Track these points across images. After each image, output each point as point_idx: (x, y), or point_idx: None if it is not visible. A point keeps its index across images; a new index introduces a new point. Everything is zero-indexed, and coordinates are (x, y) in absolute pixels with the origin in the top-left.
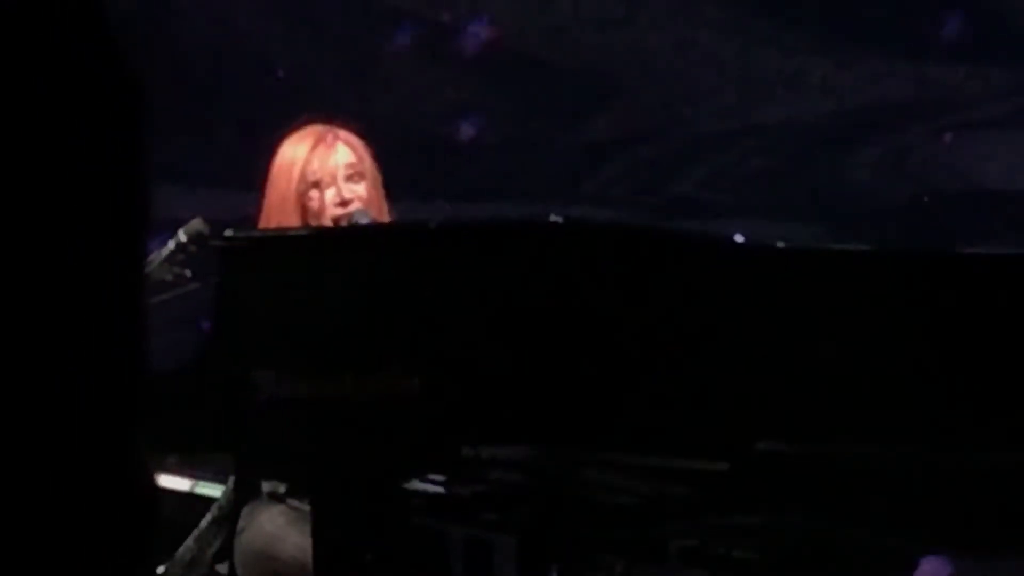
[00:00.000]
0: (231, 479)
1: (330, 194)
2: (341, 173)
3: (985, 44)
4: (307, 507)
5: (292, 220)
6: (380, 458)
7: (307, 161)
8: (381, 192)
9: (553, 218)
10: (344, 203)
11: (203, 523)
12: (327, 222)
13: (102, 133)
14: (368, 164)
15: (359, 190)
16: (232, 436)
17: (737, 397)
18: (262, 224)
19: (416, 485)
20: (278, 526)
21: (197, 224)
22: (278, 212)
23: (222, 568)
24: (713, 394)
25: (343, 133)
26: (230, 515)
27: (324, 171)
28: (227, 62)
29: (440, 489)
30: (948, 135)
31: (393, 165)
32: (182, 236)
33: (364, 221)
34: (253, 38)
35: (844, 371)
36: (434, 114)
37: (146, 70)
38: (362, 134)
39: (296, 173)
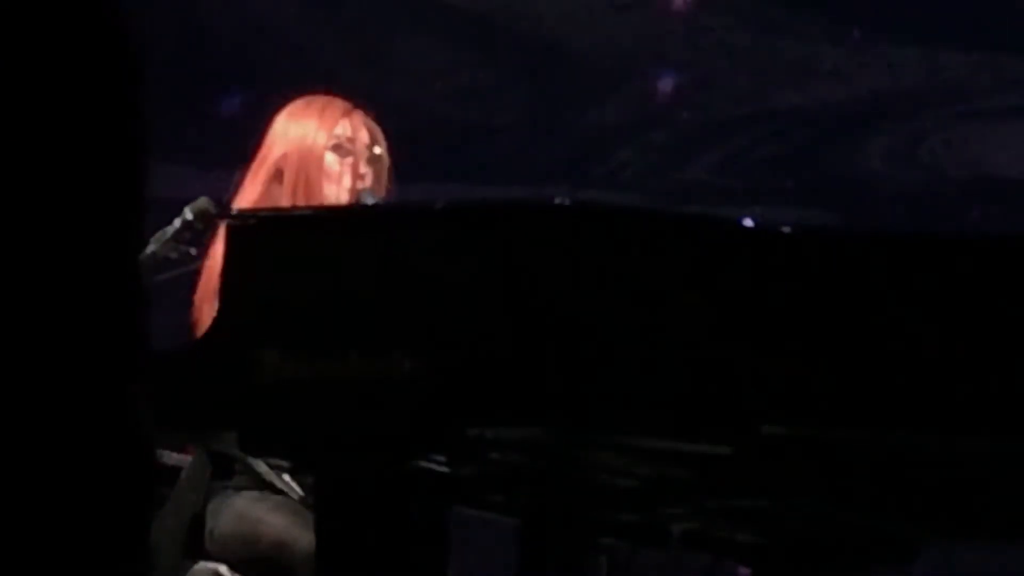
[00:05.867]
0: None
1: (348, 163)
2: (364, 152)
3: (997, 32)
4: (280, 495)
5: (316, 176)
6: (384, 438)
7: (336, 124)
8: (387, 181)
9: (558, 200)
10: (360, 178)
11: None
12: (332, 191)
13: (97, 98)
14: (383, 151)
15: (370, 173)
16: (236, 415)
17: (742, 380)
18: (255, 182)
19: (420, 465)
20: (256, 510)
21: (203, 203)
22: (300, 167)
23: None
24: (717, 377)
25: (364, 116)
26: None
27: (353, 141)
28: (240, 42)
29: (444, 470)
30: (951, 120)
31: (404, 147)
32: (188, 214)
33: (370, 202)
34: (266, 18)
35: (849, 355)
36: (446, 96)
37: (158, 50)
38: (375, 116)
39: (324, 131)
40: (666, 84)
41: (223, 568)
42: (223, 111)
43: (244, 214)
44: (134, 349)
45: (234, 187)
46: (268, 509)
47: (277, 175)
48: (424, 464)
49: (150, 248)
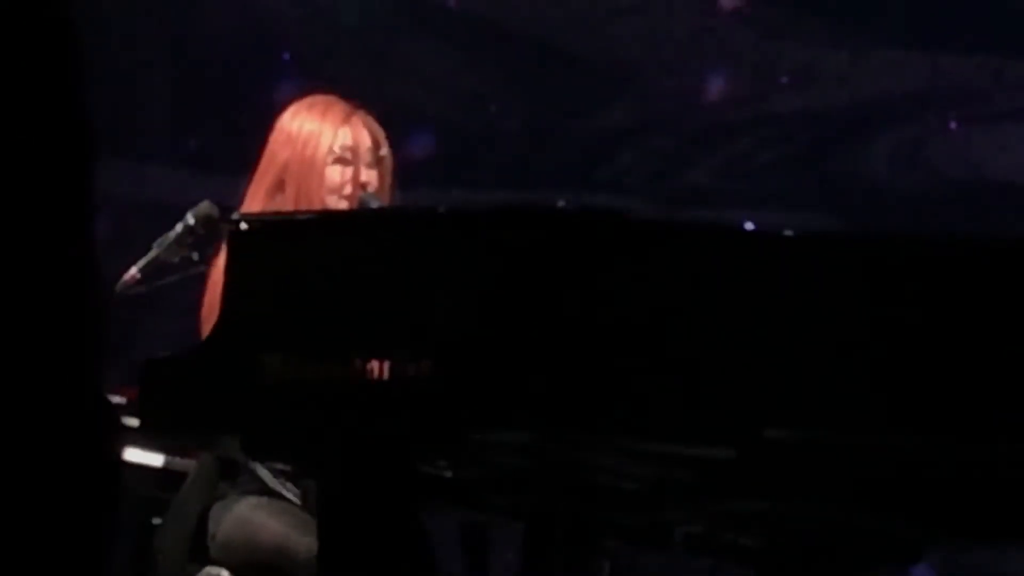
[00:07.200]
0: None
1: (350, 173)
2: (366, 157)
3: (999, 35)
4: (282, 499)
5: (317, 189)
6: (387, 442)
7: (336, 134)
8: (391, 180)
9: (561, 204)
10: (363, 186)
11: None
12: (334, 201)
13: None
14: (387, 152)
15: (374, 176)
16: (238, 419)
17: (745, 384)
18: (259, 191)
19: (423, 469)
20: (257, 516)
21: (206, 207)
22: (301, 179)
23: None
24: (720, 381)
25: (366, 117)
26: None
27: (355, 149)
28: (245, 48)
29: (447, 473)
30: (953, 123)
31: (408, 152)
32: (190, 219)
33: (373, 205)
34: (270, 23)
35: (852, 358)
36: (450, 101)
37: (166, 58)
38: (379, 119)
39: (325, 142)
40: (716, 84)
41: (225, 573)
42: (231, 117)
43: (246, 218)
44: (97, 355)
45: (241, 197)
46: (268, 515)
47: (279, 185)
48: (427, 468)
49: (153, 252)
